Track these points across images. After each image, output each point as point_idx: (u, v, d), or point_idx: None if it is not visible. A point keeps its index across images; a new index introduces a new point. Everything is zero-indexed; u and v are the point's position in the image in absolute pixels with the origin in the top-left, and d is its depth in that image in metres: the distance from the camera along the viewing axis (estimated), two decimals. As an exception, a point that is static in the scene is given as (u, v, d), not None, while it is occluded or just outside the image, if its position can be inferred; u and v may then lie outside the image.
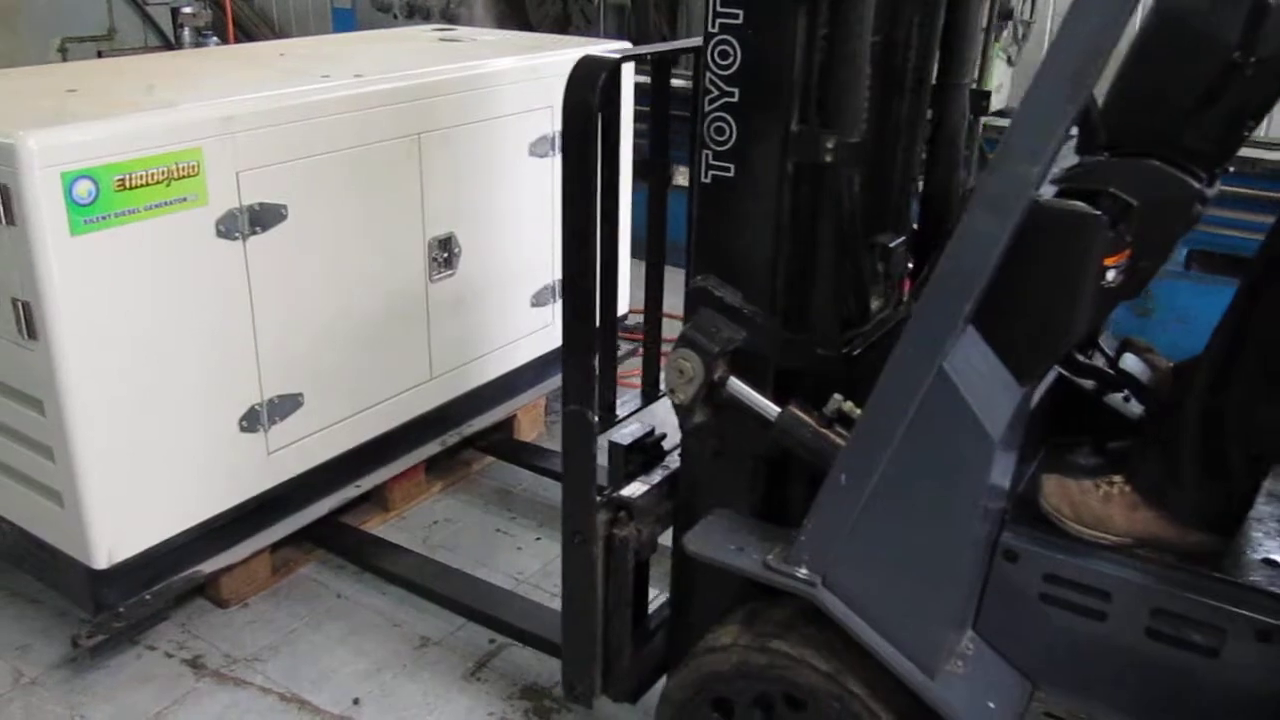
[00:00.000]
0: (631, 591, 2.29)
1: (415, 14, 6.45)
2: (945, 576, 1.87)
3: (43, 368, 2.43)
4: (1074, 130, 1.91)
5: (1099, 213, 1.69)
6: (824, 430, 1.94)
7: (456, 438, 3.52)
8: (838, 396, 1.95)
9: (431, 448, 3.45)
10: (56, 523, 2.64)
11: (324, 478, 3.12)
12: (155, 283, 2.54)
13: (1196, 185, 1.75)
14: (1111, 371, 2.21)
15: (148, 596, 2.76)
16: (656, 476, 2.31)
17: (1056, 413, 2.18)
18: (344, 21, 6.72)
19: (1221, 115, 1.75)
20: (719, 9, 1.86)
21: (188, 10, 4.73)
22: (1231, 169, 2.08)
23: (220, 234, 2.64)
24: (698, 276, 2.05)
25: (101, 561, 2.61)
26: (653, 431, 2.36)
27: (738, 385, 2.02)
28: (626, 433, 2.34)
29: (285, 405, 2.91)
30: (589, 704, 2.42)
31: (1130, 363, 2.27)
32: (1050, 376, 2.13)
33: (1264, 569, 1.86)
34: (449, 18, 6.29)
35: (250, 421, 2.83)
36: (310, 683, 2.74)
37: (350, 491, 3.22)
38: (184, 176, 2.53)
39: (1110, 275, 1.72)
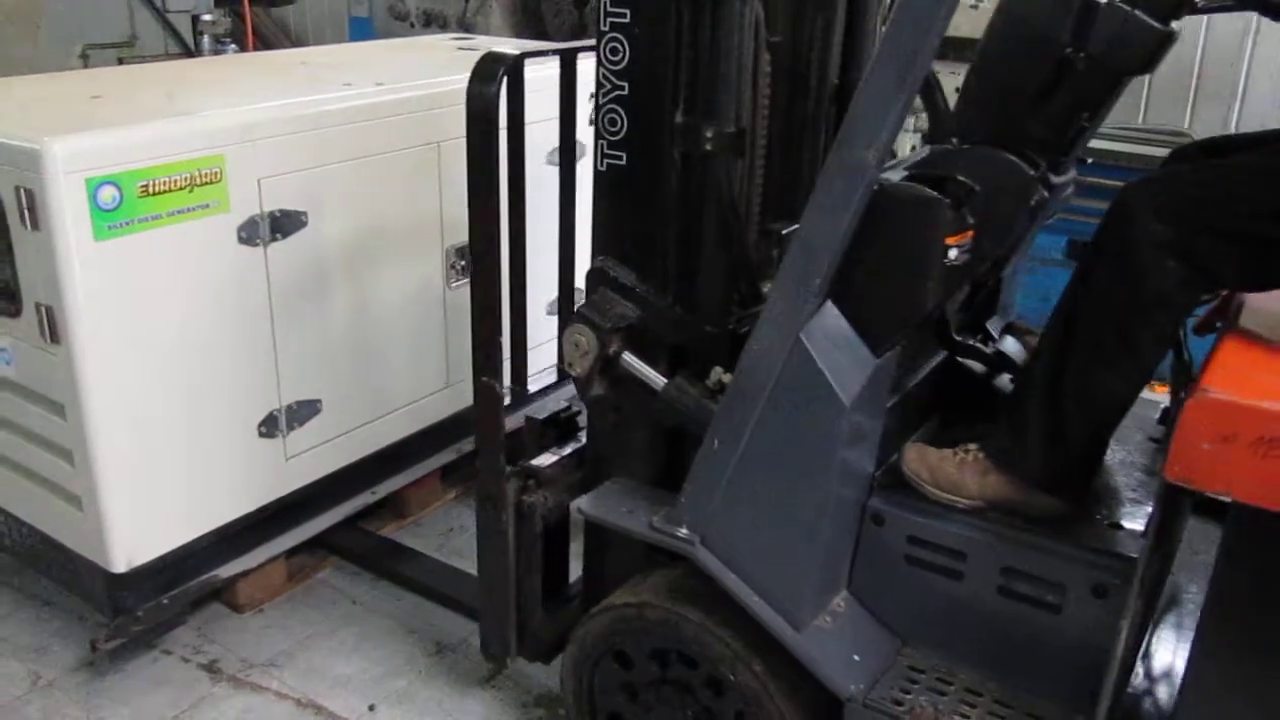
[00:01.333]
0: (542, 556, 2.43)
1: (432, 23, 6.49)
2: (808, 535, 2.00)
3: (64, 372, 2.46)
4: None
5: (939, 195, 1.85)
6: (705, 400, 2.09)
7: (472, 444, 3.52)
8: (718, 369, 2.10)
9: (447, 454, 3.47)
10: (75, 526, 2.66)
11: (340, 484, 3.15)
12: (177, 288, 2.57)
13: (1032, 172, 1.88)
14: (988, 352, 2.41)
15: (165, 601, 2.79)
16: (569, 449, 2.48)
17: (946, 393, 2.37)
18: (361, 30, 6.76)
19: (1058, 107, 1.89)
20: (609, 9, 2.02)
21: (207, 18, 4.76)
22: (1089, 160, 2.26)
23: (241, 240, 2.67)
24: (597, 258, 2.22)
25: (120, 565, 2.63)
26: (569, 408, 2.52)
27: (630, 359, 2.18)
28: (541, 407, 2.52)
29: (303, 411, 2.93)
30: (504, 664, 2.60)
31: (1009, 344, 2.50)
32: (939, 358, 2.35)
33: (1109, 531, 2.01)
34: (466, 27, 6.32)
35: (269, 427, 2.85)
36: (326, 688, 2.76)
37: (366, 498, 3.24)
38: (206, 183, 2.55)
39: (953, 254, 1.86)
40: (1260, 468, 1.50)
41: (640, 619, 2.18)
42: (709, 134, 1.99)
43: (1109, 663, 1.76)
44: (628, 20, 2.02)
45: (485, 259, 2.27)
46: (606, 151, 2.13)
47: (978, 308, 2.51)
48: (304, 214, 2.79)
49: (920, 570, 2.06)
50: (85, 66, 4.16)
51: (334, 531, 3.17)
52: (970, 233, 1.88)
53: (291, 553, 3.09)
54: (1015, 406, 2.06)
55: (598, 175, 2.17)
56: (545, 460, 2.44)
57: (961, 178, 1.88)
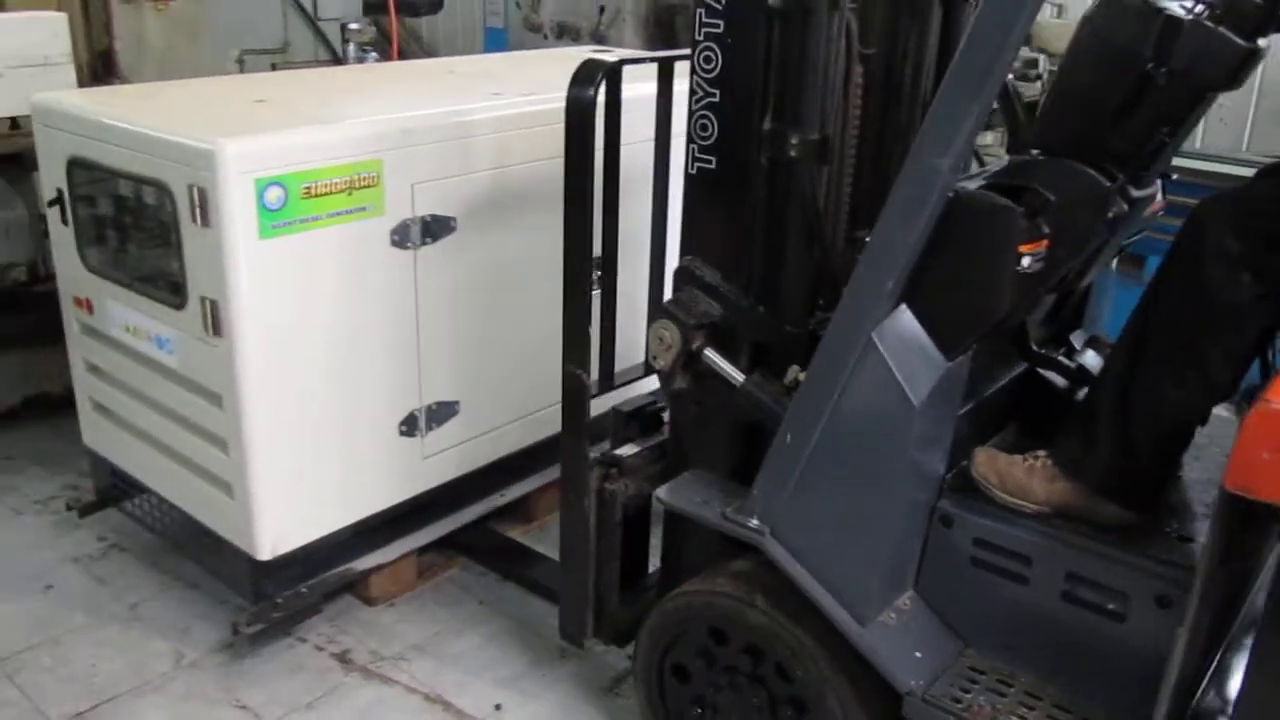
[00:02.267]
0: (621, 543, 2.51)
1: (565, 35, 6.58)
2: (874, 532, 2.07)
3: (225, 364, 2.57)
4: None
5: (1013, 204, 1.90)
6: (781, 397, 2.16)
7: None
8: (795, 367, 2.16)
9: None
10: (225, 513, 2.77)
11: (472, 485, 3.23)
12: (332, 287, 2.67)
13: (1108, 184, 1.91)
14: (1068, 365, 2.44)
15: (304, 590, 2.88)
16: (652, 440, 2.57)
17: (1025, 403, 2.42)
18: (496, 41, 6.90)
19: (1138, 122, 1.91)
20: (704, 19, 2.12)
21: (354, 26, 4.91)
22: (1174, 176, 2.37)
23: (394, 243, 2.75)
24: (685, 257, 2.32)
25: (265, 553, 2.73)
26: (655, 401, 2.59)
27: (711, 355, 2.26)
28: (628, 400, 2.61)
29: (442, 412, 3.00)
30: (580, 645, 2.67)
31: (1089, 358, 2.51)
32: (1019, 369, 2.40)
33: (1177, 543, 2.02)
34: (599, 39, 6.40)
35: (409, 426, 2.92)
36: (454, 685, 2.82)
37: (496, 500, 3.31)
38: (364, 186, 2.64)
39: (1026, 262, 1.90)
40: None
41: (710, 606, 2.27)
42: (794, 141, 2.06)
43: (1166, 674, 1.77)
44: (721, 31, 2.11)
45: (577, 255, 2.38)
46: (697, 155, 2.23)
47: (1063, 320, 2.54)
48: (453, 219, 2.86)
49: (985, 573, 2.11)
50: (241, 70, 4.35)
51: (464, 531, 3.23)
52: (1045, 242, 1.92)
53: (423, 550, 3.17)
54: (1085, 415, 2.09)
55: (688, 178, 2.27)
56: (628, 450, 2.54)
57: (1038, 188, 1.92)
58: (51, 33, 3.50)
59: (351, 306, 2.72)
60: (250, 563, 2.77)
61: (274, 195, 2.48)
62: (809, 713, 2.17)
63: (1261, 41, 1.82)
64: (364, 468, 2.88)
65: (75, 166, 2.87)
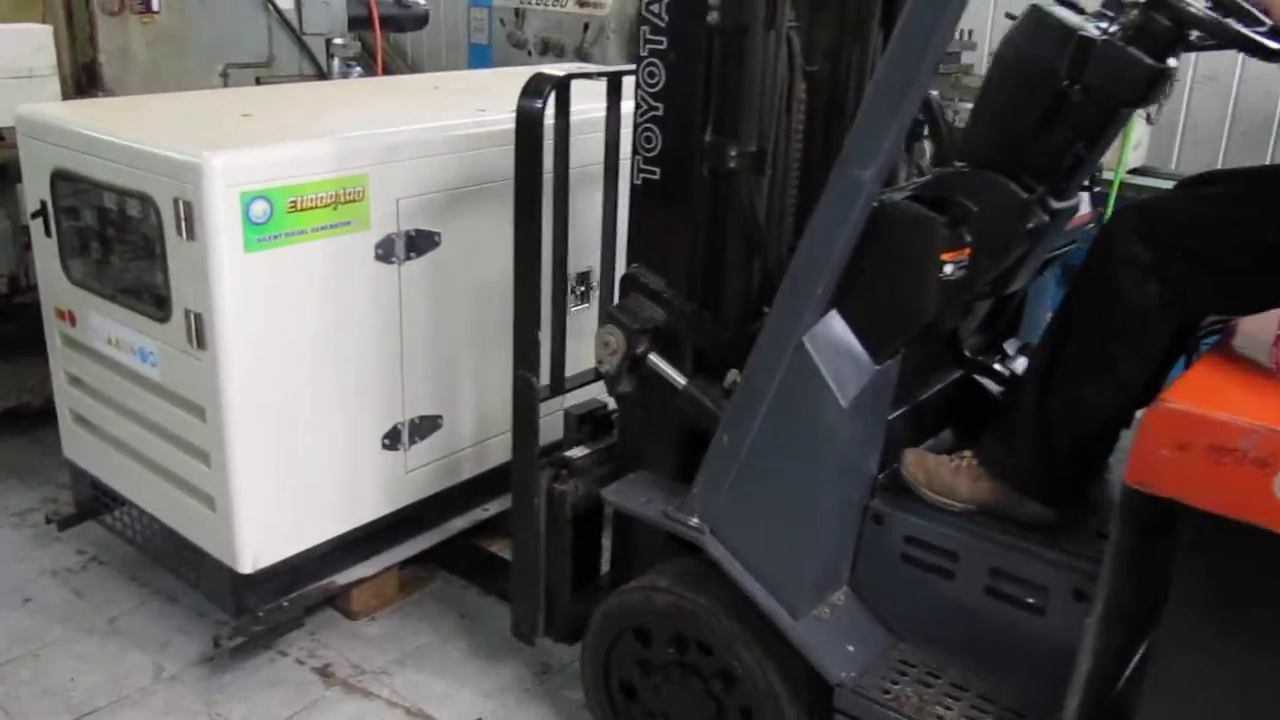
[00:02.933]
0: (571, 543, 2.58)
1: (549, 51, 6.60)
2: (806, 529, 2.16)
3: (208, 377, 2.57)
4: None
5: (934, 214, 1.99)
6: (720, 399, 2.24)
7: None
8: (734, 371, 2.22)
9: (559, 475, 3.49)
10: (207, 526, 2.77)
11: (455, 499, 3.24)
12: (316, 302, 2.68)
13: (1025, 195, 2.00)
14: (1002, 370, 2.55)
15: (285, 603, 2.88)
16: (603, 443, 2.64)
17: (961, 408, 2.51)
18: (480, 57, 6.91)
19: (1056, 137, 2.00)
20: (649, 36, 2.20)
21: (339, 41, 4.91)
22: (1097, 189, 2.50)
23: (378, 257, 2.76)
24: (631, 265, 2.40)
25: (246, 566, 2.73)
26: (606, 405, 2.66)
27: (655, 359, 2.35)
28: (580, 403, 2.70)
29: (425, 426, 3.01)
30: (531, 642, 2.73)
31: (1020, 364, 2.60)
32: (954, 375, 2.51)
33: (1091, 540, 2.09)
34: (583, 56, 6.42)
35: (392, 440, 2.93)
36: (435, 699, 2.82)
37: (478, 514, 3.32)
38: (350, 201, 2.65)
39: (949, 269, 2.00)
40: (1213, 475, 1.59)
41: (649, 603, 2.36)
42: (733, 153, 2.14)
43: (1077, 665, 1.85)
44: (664, 47, 2.20)
45: (527, 262, 2.48)
46: (642, 167, 2.31)
47: (998, 328, 2.66)
48: (437, 234, 2.88)
49: (915, 569, 2.20)
50: (225, 84, 4.35)
51: (446, 545, 3.24)
52: (967, 250, 2.02)
53: (404, 564, 3.17)
54: (1007, 417, 2.20)
55: (633, 189, 2.36)
56: (578, 452, 2.62)
57: (960, 199, 2.01)
58: (36, 45, 3.51)
59: (335, 320, 2.73)
60: (232, 576, 2.77)
61: (259, 209, 2.49)
62: (747, 704, 2.26)
63: (1171, 61, 1.90)
64: (347, 481, 2.88)
65: (59, 178, 2.87)
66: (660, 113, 2.25)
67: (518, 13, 6.69)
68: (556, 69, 2.47)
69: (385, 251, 2.77)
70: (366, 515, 2.96)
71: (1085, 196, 2.43)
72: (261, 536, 2.73)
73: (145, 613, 3.11)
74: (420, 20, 5.47)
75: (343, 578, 3.00)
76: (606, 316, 2.41)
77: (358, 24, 5.07)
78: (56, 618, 3.07)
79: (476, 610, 3.16)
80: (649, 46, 2.21)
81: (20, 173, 3.06)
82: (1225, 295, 1.97)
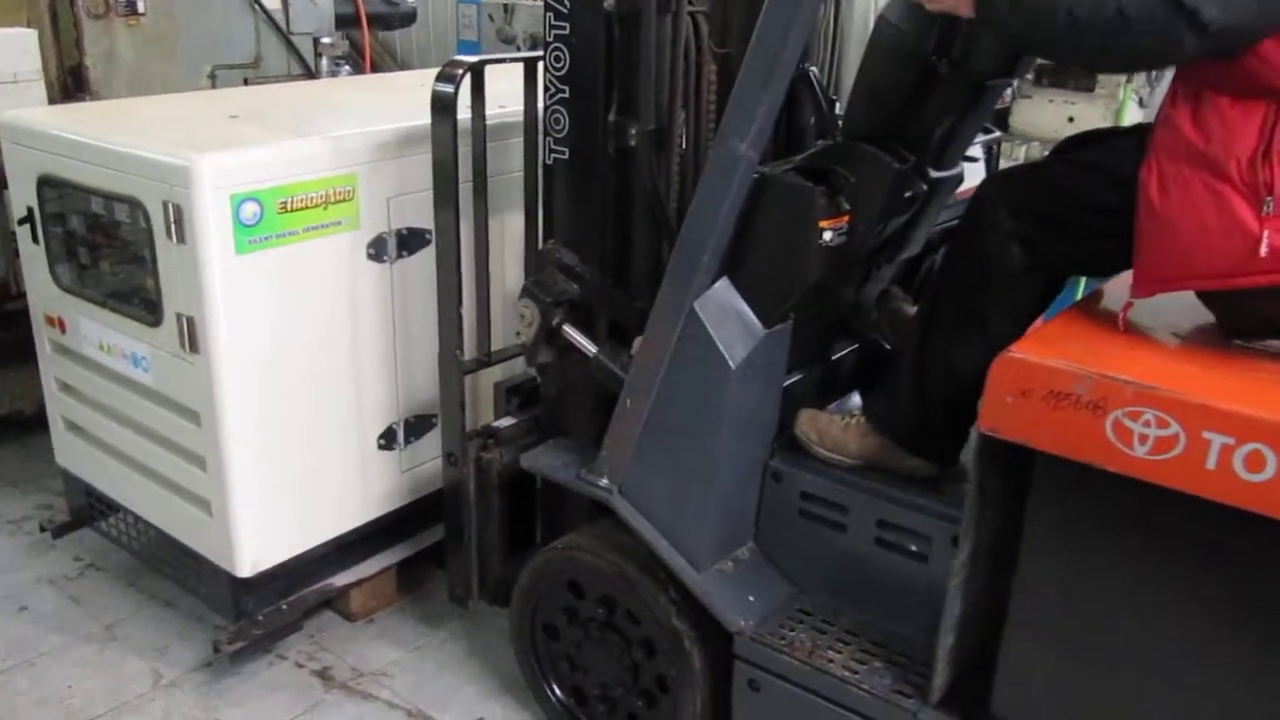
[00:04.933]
0: (501, 510, 2.71)
1: (538, 45, 6.57)
2: (704, 487, 2.27)
3: (202, 380, 2.56)
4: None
5: (810, 184, 2.12)
6: (628, 366, 2.34)
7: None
8: (640, 339, 2.31)
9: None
10: (204, 530, 2.76)
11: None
12: (308, 302, 2.67)
13: (899, 165, 2.13)
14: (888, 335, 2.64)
15: (284, 606, 2.88)
16: (529, 414, 2.76)
17: (869, 373, 2.63)
18: (469, 53, 6.85)
19: (927, 109, 2.14)
20: (553, 22, 2.32)
21: (327, 41, 4.89)
22: (977, 158, 2.62)
23: (370, 257, 2.75)
24: (548, 241, 2.54)
25: (245, 570, 2.72)
26: (535, 378, 2.75)
27: (569, 330, 2.47)
28: (510, 377, 2.85)
29: (420, 426, 3.00)
30: (465, 605, 2.85)
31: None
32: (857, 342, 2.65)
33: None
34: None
35: (388, 440, 2.93)
36: (436, 700, 2.82)
37: (476, 513, 3.27)
38: (340, 200, 2.64)
39: (828, 236, 2.12)
40: (1052, 419, 1.73)
41: (571, 560, 2.50)
42: (633, 131, 2.28)
43: (946, 606, 1.98)
44: (567, 32, 2.31)
45: (447, 240, 2.59)
46: (553, 148, 2.44)
47: (912, 294, 2.76)
48: (428, 232, 2.86)
49: (811, 523, 2.33)
50: (214, 86, 4.34)
51: (443, 544, 3.20)
52: (845, 218, 2.14)
53: (402, 565, 3.16)
54: (890, 375, 2.31)
55: (545, 169, 2.50)
56: (504, 422, 2.73)
57: (838, 169, 2.15)
58: (22, 49, 3.49)
59: (329, 321, 2.72)
60: (230, 580, 2.76)
61: (250, 211, 2.48)
62: (657, 653, 2.41)
63: None
64: (343, 482, 2.87)
65: (46, 184, 2.85)
66: (566, 95, 2.36)
67: (506, 8, 6.69)
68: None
69: (377, 251, 2.77)
70: (364, 516, 2.96)
71: (977, 167, 2.59)
72: (259, 540, 2.72)
73: (143, 619, 3.10)
74: (408, 18, 5.44)
75: (341, 579, 3.00)
76: (523, 290, 2.52)
77: (345, 23, 5.04)
78: (53, 625, 3.07)
79: (475, 608, 3.15)
80: (554, 32, 2.32)
81: (5, 179, 3.05)
82: (1082, 258, 2.08)
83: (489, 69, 2.58)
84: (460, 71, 2.48)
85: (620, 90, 2.30)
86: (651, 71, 2.23)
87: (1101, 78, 4.50)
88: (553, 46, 2.34)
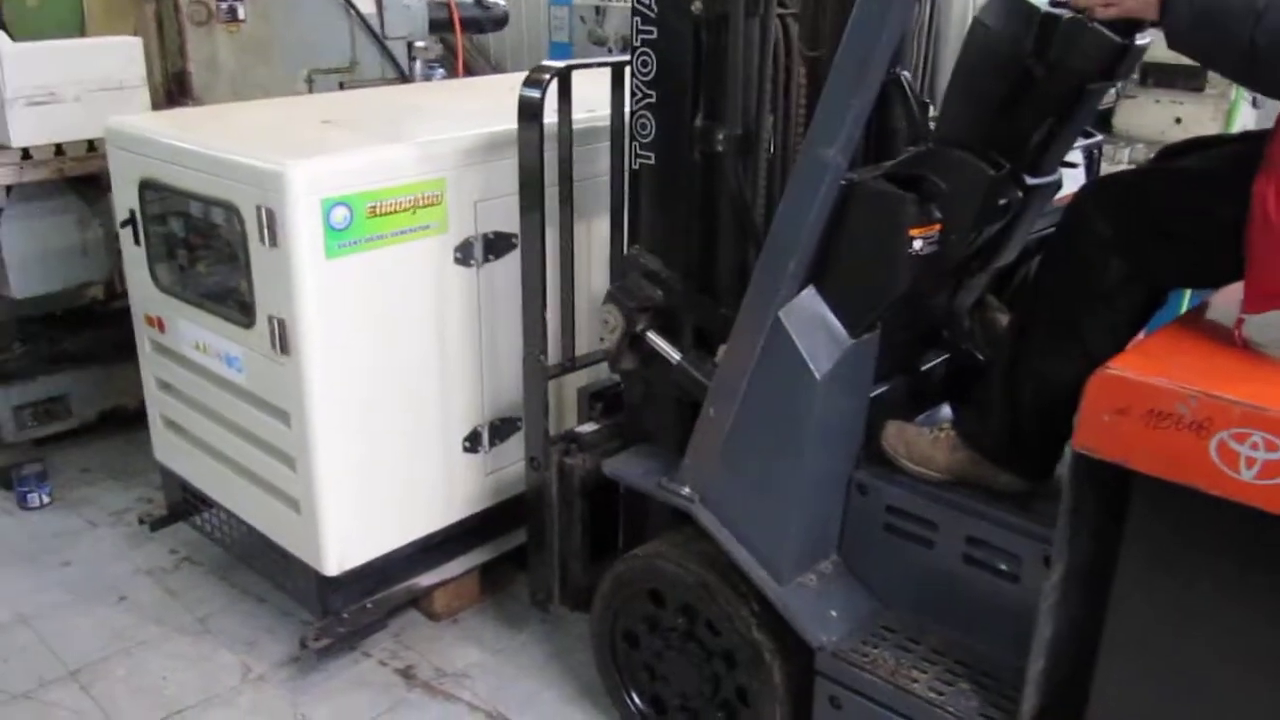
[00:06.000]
0: (582, 514, 2.69)
1: (629, 48, 6.59)
2: (789, 498, 2.23)
3: (292, 382, 2.61)
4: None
5: (901, 191, 2.06)
6: (712, 374, 2.32)
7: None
8: (724, 346, 2.28)
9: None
10: (292, 528, 2.81)
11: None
12: (397, 306, 2.70)
13: (993, 172, 2.06)
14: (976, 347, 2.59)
15: (369, 605, 2.91)
16: (612, 419, 2.75)
17: (961, 384, 2.55)
18: (561, 55, 6.93)
19: (1023, 113, 2.07)
20: (640, 27, 2.31)
21: (420, 44, 4.96)
22: (1076, 164, 2.58)
23: (457, 260, 2.78)
24: (631, 247, 2.54)
25: (332, 568, 2.76)
26: (619, 384, 2.73)
27: (653, 336, 2.45)
28: (595, 382, 2.84)
29: (505, 429, 3.02)
30: (546, 609, 2.86)
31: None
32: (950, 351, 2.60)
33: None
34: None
35: (473, 442, 2.95)
36: (516, 704, 2.83)
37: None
38: (428, 205, 2.67)
39: (918, 245, 2.06)
40: (1151, 439, 1.67)
41: (652, 569, 2.47)
42: (720, 136, 2.25)
43: (1038, 628, 1.92)
44: (654, 36, 2.30)
45: (532, 245, 2.59)
46: (639, 153, 2.42)
47: (1006, 303, 2.70)
48: (514, 236, 2.87)
49: (897, 538, 2.28)
50: (310, 90, 4.42)
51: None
52: (937, 226, 2.08)
53: (486, 566, 3.18)
54: (981, 389, 2.25)
55: (631, 174, 2.49)
56: (587, 427, 2.74)
57: (930, 176, 2.08)
58: (127, 58, 3.60)
59: (416, 324, 2.75)
60: (317, 578, 2.81)
61: (340, 215, 2.51)
62: (738, 665, 2.37)
63: (1140, 39, 1.93)
64: (429, 484, 2.90)
65: (147, 188, 2.94)
66: (653, 100, 2.35)
67: (598, 10, 6.71)
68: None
69: (464, 254, 2.79)
70: (448, 518, 2.99)
71: (1075, 173, 2.51)
72: (346, 539, 2.77)
73: (235, 612, 3.18)
74: (500, 21, 5.50)
75: (425, 579, 3.03)
76: (607, 296, 2.50)
77: (438, 26, 5.12)
78: (150, 616, 3.16)
79: (559, 612, 3.15)
80: (640, 36, 2.31)
81: (109, 183, 3.15)
82: (1187, 269, 2.01)
83: (576, 74, 2.58)
84: (547, 77, 2.48)
85: (707, 95, 2.28)
86: (739, 75, 2.20)
87: (1212, 76, 4.34)
88: (640, 51, 2.33)
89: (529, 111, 2.49)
